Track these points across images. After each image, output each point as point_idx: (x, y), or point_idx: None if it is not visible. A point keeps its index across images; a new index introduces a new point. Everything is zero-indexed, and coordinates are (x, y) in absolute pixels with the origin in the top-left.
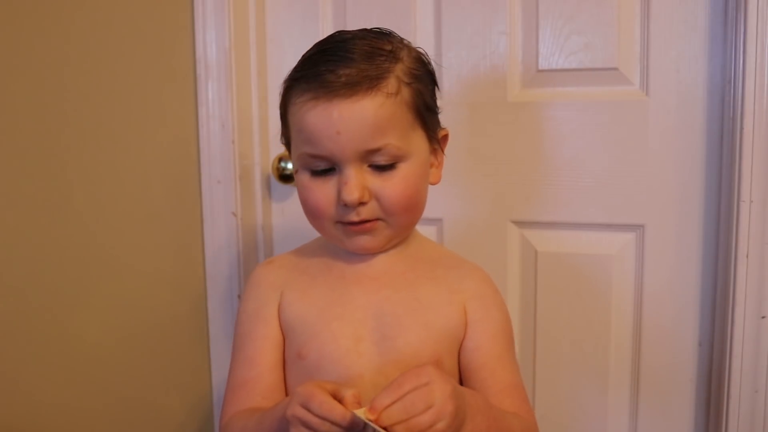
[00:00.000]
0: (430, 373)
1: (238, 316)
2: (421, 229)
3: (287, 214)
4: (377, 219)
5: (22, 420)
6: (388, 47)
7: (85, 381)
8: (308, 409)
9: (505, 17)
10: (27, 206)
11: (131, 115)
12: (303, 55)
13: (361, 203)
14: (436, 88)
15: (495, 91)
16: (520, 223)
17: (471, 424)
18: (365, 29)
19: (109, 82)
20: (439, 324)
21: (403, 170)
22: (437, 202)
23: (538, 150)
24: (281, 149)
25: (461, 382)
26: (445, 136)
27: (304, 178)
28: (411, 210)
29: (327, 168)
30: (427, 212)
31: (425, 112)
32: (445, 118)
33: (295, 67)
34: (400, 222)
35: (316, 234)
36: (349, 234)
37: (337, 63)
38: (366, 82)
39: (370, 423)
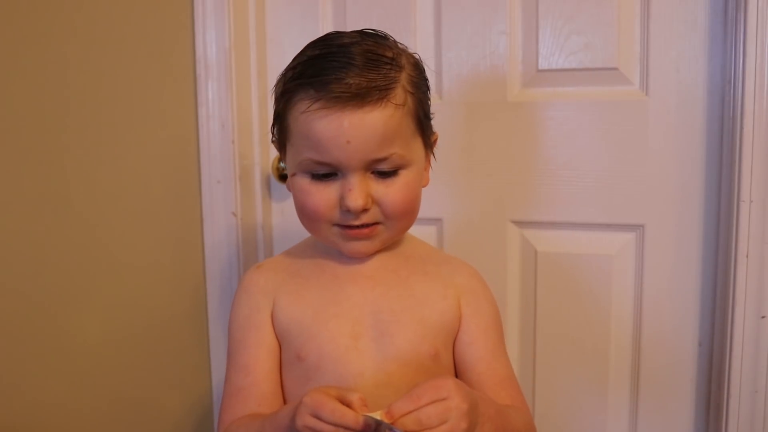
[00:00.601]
0: (450, 388)
1: (230, 323)
2: (420, 229)
3: (287, 214)
4: (376, 223)
5: (21, 419)
6: (390, 54)
7: (84, 380)
8: (320, 418)
9: (504, 17)
10: (27, 206)
11: (131, 115)
12: (300, 56)
13: (364, 210)
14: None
15: (495, 91)
16: (520, 223)
17: None
18: (361, 32)
19: (109, 82)
20: (434, 319)
21: (404, 177)
22: (437, 202)
23: (538, 150)
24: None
25: (456, 375)
26: (435, 140)
27: (303, 181)
28: (410, 214)
29: (329, 173)
30: (427, 212)
31: (424, 120)
32: (444, 118)
33: (294, 69)
34: (398, 226)
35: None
36: (347, 238)
37: (344, 70)
38: (376, 93)
39: (390, 425)
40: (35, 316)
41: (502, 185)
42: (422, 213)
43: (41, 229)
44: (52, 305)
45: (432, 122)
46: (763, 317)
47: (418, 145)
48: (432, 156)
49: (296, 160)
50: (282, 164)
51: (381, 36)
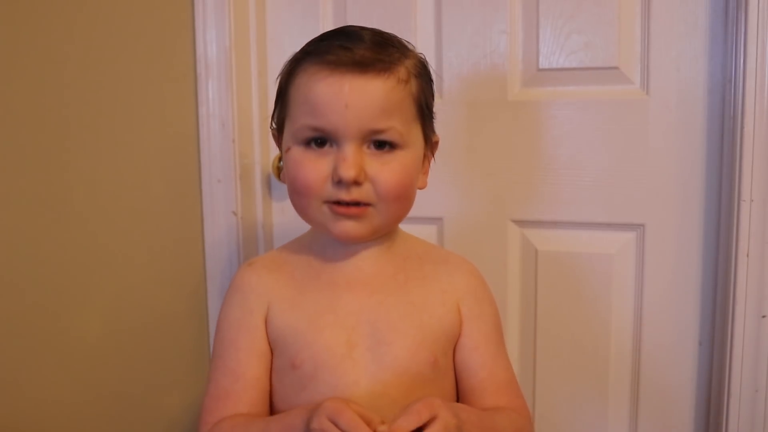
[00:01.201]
0: (439, 405)
1: (219, 322)
2: (421, 228)
3: (287, 213)
4: (368, 204)
5: (21, 418)
6: (397, 43)
7: (84, 378)
8: (336, 424)
9: (505, 16)
10: (27, 205)
11: (131, 114)
12: (311, 40)
13: (356, 183)
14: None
15: (495, 90)
16: (521, 222)
17: None
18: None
19: (109, 81)
20: (433, 326)
21: (401, 158)
22: (437, 201)
23: (538, 149)
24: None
25: (456, 379)
26: (437, 143)
27: (296, 153)
28: (402, 200)
29: (323, 141)
30: (428, 211)
31: (425, 110)
32: (445, 118)
33: (304, 47)
34: (390, 211)
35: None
36: (336, 217)
37: (351, 42)
38: (379, 64)
39: None
40: (35, 314)
41: (503, 184)
42: (422, 212)
43: (41, 227)
44: (52, 304)
45: (434, 124)
46: (763, 317)
47: (417, 132)
48: (432, 159)
49: (292, 130)
50: (282, 163)
51: (392, 34)
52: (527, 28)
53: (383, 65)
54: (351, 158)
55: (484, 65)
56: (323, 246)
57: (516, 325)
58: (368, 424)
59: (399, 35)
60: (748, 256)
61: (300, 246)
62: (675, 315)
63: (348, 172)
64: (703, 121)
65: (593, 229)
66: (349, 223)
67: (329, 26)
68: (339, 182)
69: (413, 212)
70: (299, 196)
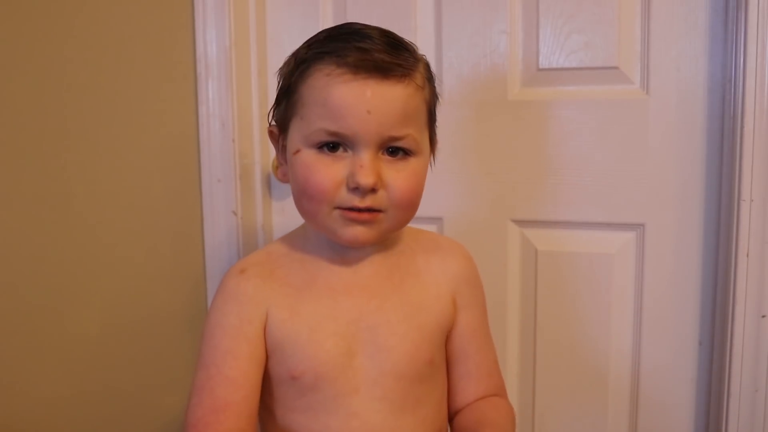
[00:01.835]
0: None
1: (212, 329)
2: (421, 228)
3: (287, 213)
4: (379, 210)
5: (19, 416)
6: (407, 45)
7: (83, 377)
8: None
9: (505, 16)
10: (27, 205)
11: (131, 114)
12: (314, 37)
13: (373, 190)
14: None
15: (495, 90)
16: (521, 222)
17: None
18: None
19: (109, 81)
20: (431, 324)
21: (414, 165)
22: (438, 200)
23: (538, 149)
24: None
25: (448, 363)
26: (436, 145)
27: (309, 156)
28: (413, 207)
29: (336, 145)
30: (427, 211)
31: (433, 116)
32: (445, 117)
33: (311, 45)
34: (399, 218)
35: None
36: (346, 222)
37: (367, 43)
38: (399, 70)
39: None
40: (34, 313)
41: (503, 184)
42: (422, 212)
43: (41, 227)
44: (52, 303)
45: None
46: (763, 316)
47: (426, 139)
48: (432, 162)
49: (305, 133)
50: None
51: (395, 33)
52: (527, 28)
53: (403, 71)
54: (369, 165)
55: (484, 65)
56: (318, 248)
57: (516, 324)
58: None
59: (399, 35)
60: (748, 255)
61: (290, 247)
62: (675, 315)
63: (367, 180)
64: (703, 121)
65: (593, 229)
66: (359, 228)
67: (329, 26)
68: (355, 189)
69: None
70: (310, 201)
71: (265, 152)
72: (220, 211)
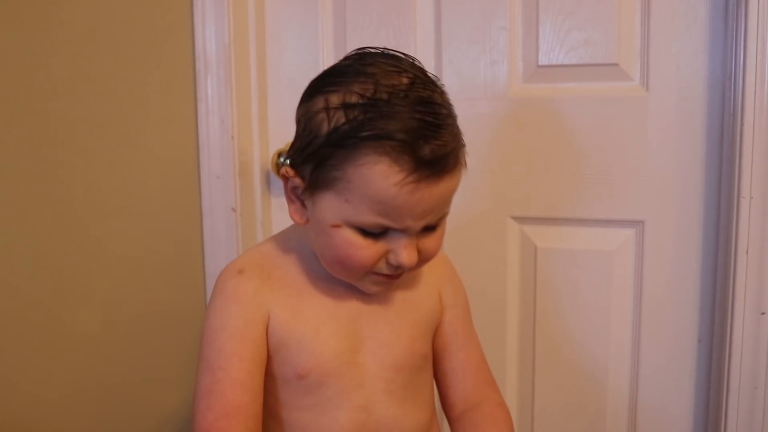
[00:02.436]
0: None
1: (215, 332)
2: None
3: (286, 210)
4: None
5: (19, 413)
6: (446, 99)
7: (83, 375)
8: None
9: (505, 12)
10: (25, 203)
11: (130, 111)
12: (357, 84)
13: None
14: None
15: (495, 87)
16: (520, 219)
17: None
18: (413, 65)
19: (108, 78)
20: (424, 320)
21: (443, 224)
22: None
23: (537, 146)
24: (280, 144)
25: (435, 360)
26: None
27: (352, 236)
28: None
29: (384, 231)
30: None
31: None
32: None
33: (362, 110)
34: (419, 267)
35: None
36: (377, 284)
37: (440, 139)
38: (453, 159)
39: None
40: (33, 310)
41: (502, 181)
42: None
43: (40, 225)
44: (51, 300)
45: None
46: (763, 314)
47: None
48: None
49: (350, 217)
50: (281, 159)
51: (419, 68)
52: (527, 25)
53: (455, 159)
54: (411, 248)
55: (483, 62)
56: (313, 254)
57: (515, 321)
58: None
59: (398, 32)
60: (747, 253)
61: (285, 248)
62: (674, 312)
63: (411, 262)
64: (703, 118)
65: (593, 226)
66: (384, 287)
67: (329, 23)
68: (397, 266)
69: None
70: (346, 270)
71: (264, 149)
72: (219, 208)
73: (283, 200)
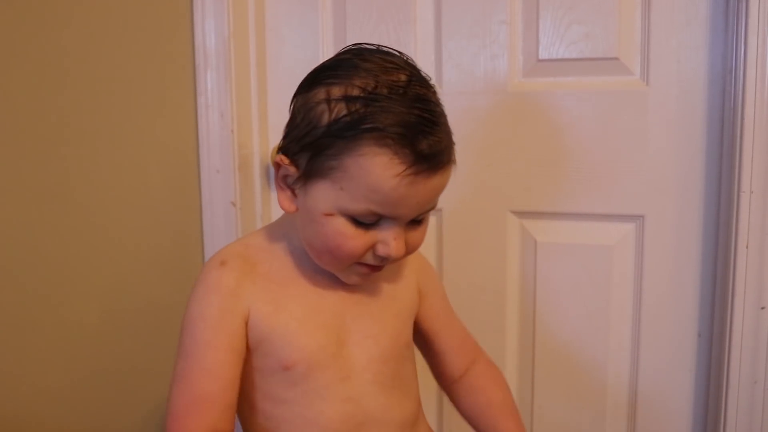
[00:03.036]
0: None
1: (192, 321)
2: None
3: None
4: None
5: (19, 406)
6: (437, 97)
7: (82, 368)
8: None
9: (505, 6)
10: (26, 197)
11: (130, 105)
12: (362, 76)
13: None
14: None
15: (495, 81)
16: (520, 213)
17: None
18: (408, 63)
19: (108, 72)
20: (405, 311)
21: (426, 219)
22: None
23: (538, 140)
24: (280, 138)
25: (426, 343)
26: None
27: (343, 225)
28: None
29: (376, 222)
30: None
31: None
32: (445, 108)
33: (364, 104)
34: (401, 260)
35: None
36: (360, 273)
37: (437, 135)
38: (446, 155)
39: None
40: (34, 304)
41: (502, 175)
42: None
43: (40, 219)
44: (51, 294)
45: None
46: (762, 308)
47: None
48: None
49: (344, 205)
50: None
51: (414, 65)
52: (527, 19)
53: (448, 155)
54: (400, 239)
55: (483, 56)
56: (299, 245)
57: (515, 316)
58: None
59: (399, 26)
60: (747, 247)
61: (271, 242)
62: (674, 306)
63: (399, 253)
64: (703, 112)
65: (593, 221)
66: (368, 276)
67: (328, 16)
68: (385, 257)
69: None
70: (334, 259)
71: (263, 143)
72: (218, 202)
73: None
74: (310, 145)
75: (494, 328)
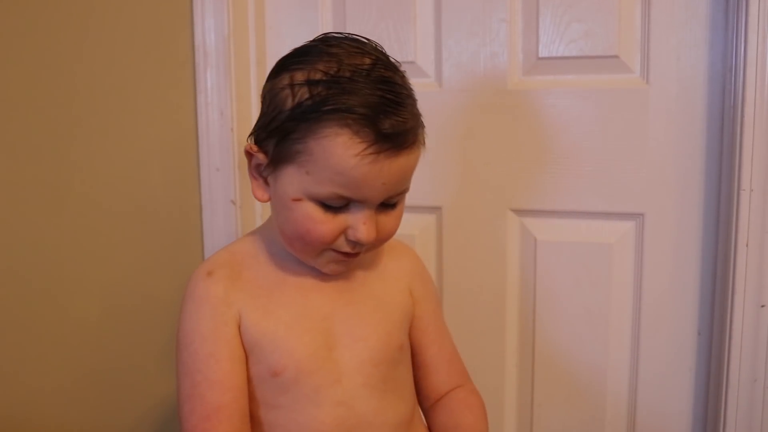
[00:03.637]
0: None
1: (188, 336)
2: (419, 217)
3: None
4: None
5: (19, 403)
6: (406, 82)
7: (82, 366)
8: None
9: (505, 4)
10: (25, 196)
11: (130, 103)
12: (325, 62)
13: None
14: None
15: (494, 79)
16: (520, 212)
17: None
18: (376, 49)
19: (107, 70)
20: (397, 313)
21: (401, 203)
22: (436, 189)
23: (537, 138)
24: None
25: (414, 351)
26: None
27: (312, 210)
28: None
29: (344, 206)
30: (426, 200)
31: None
32: (444, 106)
33: (325, 87)
34: (377, 247)
35: None
36: (336, 261)
37: (400, 116)
38: (412, 136)
39: None
40: (33, 300)
41: (502, 173)
42: (421, 201)
43: (40, 217)
44: (51, 291)
45: (429, 111)
46: (762, 306)
47: None
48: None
49: (310, 188)
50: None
51: (381, 51)
52: (527, 17)
53: (414, 136)
54: (370, 222)
55: (483, 54)
56: (284, 250)
57: (515, 314)
58: None
59: (398, 24)
60: (747, 245)
61: (255, 247)
62: (674, 304)
63: (369, 237)
64: (704, 110)
65: (593, 219)
66: (342, 265)
67: (329, 15)
68: (356, 242)
69: (412, 201)
70: (305, 245)
71: None
72: (218, 200)
73: None
74: (276, 130)
75: (494, 327)
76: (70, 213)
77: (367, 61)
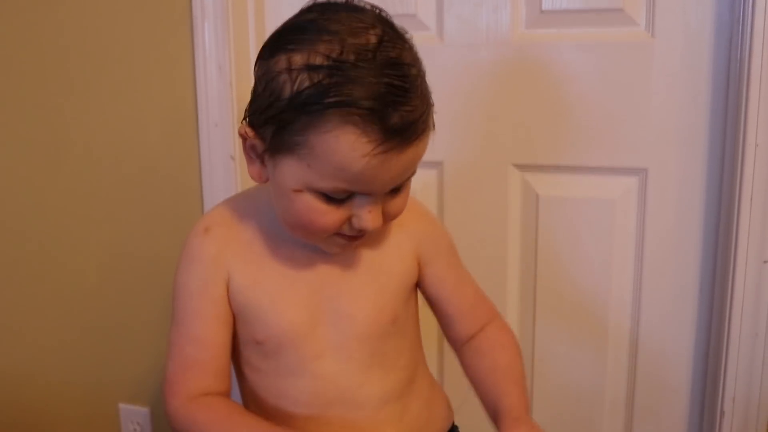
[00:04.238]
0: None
1: (178, 290)
2: (420, 172)
3: None
4: None
5: (20, 360)
6: (414, 54)
7: (81, 322)
8: None
9: None
10: (24, 153)
11: (127, 58)
12: (321, 44)
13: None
14: None
15: (497, 32)
16: (522, 167)
17: None
18: (379, 17)
19: (104, 26)
20: (393, 284)
21: (408, 184)
22: (437, 144)
23: (540, 92)
24: None
25: (432, 307)
26: None
27: (313, 200)
28: None
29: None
30: (427, 155)
31: None
32: (446, 60)
33: (327, 73)
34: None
35: None
36: (339, 244)
37: (409, 104)
38: (422, 125)
39: None
40: (33, 259)
41: (504, 128)
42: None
43: (39, 174)
44: (51, 249)
45: (430, 66)
46: (765, 262)
47: None
48: None
49: (312, 182)
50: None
51: (385, 19)
52: None
53: (424, 124)
54: (376, 211)
55: (486, 6)
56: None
57: (516, 270)
58: None
59: None
60: (751, 200)
61: (255, 208)
62: (676, 260)
63: (374, 226)
64: (709, 64)
65: (595, 174)
66: (347, 246)
67: None
68: (361, 229)
69: None
70: (308, 234)
71: None
72: (217, 156)
73: None
74: (274, 118)
75: (495, 282)
76: (68, 170)
77: (372, 39)
